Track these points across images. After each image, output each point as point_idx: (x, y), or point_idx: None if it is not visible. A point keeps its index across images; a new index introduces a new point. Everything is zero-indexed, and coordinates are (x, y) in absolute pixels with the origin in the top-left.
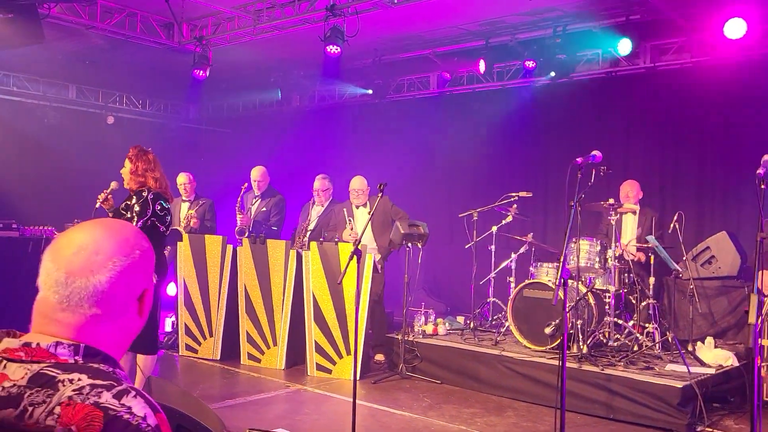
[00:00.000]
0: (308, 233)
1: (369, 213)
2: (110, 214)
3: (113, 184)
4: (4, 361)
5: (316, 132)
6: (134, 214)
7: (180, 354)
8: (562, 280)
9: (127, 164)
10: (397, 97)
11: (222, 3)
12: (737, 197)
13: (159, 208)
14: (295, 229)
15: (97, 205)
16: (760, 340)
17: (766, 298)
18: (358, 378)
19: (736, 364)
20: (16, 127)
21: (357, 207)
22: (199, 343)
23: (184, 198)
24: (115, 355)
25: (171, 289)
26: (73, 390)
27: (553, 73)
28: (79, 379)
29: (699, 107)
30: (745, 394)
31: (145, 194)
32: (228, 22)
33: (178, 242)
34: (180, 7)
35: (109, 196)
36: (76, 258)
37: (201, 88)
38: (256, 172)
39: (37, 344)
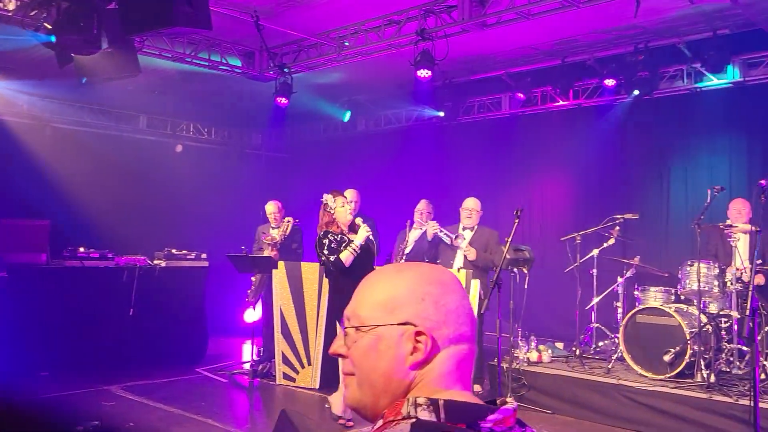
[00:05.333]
0: (405, 257)
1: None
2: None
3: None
4: None
5: (383, 156)
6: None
7: (277, 383)
8: (752, 310)
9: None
10: (467, 119)
11: (305, 31)
12: None
13: None
14: (389, 254)
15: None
16: None
17: None
18: None
19: None
20: (94, 156)
21: (464, 229)
22: (297, 372)
23: (273, 226)
24: None
25: (249, 316)
26: None
27: (637, 92)
28: None
29: None
30: None
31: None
32: (311, 49)
33: (273, 270)
34: (262, 35)
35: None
36: None
37: (280, 115)
38: (351, 195)
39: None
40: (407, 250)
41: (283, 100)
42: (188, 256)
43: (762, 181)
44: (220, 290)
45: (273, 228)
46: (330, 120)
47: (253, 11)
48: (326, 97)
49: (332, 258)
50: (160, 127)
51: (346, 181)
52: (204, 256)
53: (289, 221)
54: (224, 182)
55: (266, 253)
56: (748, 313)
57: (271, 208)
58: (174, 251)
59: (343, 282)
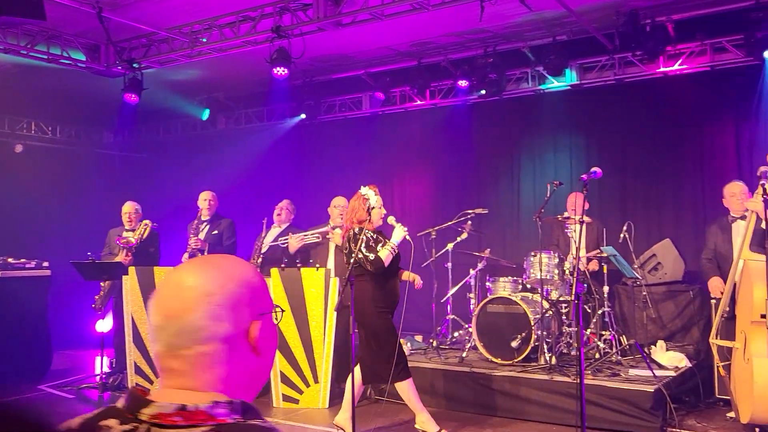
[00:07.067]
0: (261, 257)
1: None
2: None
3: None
4: (152, 428)
5: (244, 155)
6: None
7: None
8: (578, 296)
9: None
10: (329, 117)
11: (155, 25)
12: (676, 205)
13: None
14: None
15: None
16: (714, 339)
17: (712, 300)
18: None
19: (689, 364)
20: None
21: (334, 228)
22: (152, 382)
23: (127, 228)
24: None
25: (101, 326)
26: None
27: (483, 91)
28: None
29: (622, 123)
30: (699, 393)
31: None
32: (162, 44)
33: (124, 276)
34: (109, 28)
35: None
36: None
37: (130, 113)
38: (207, 195)
39: (195, 406)
40: (264, 249)
41: (133, 97)
42: (27, 265)
43: (583, 176)
44: (69, 300)
45: (127, 231)
46: (188, 118)
47: (95, 2)
48: (183, 94)
49: (371, 256)
50: None
51: (207, 181)
52: (46, 264)
53: (146, 225)
54: (72, 185)
55: (119, 257)
56: (573, 298)
57: (126, 208)
58: (11, 260)
59: (378, 280)
